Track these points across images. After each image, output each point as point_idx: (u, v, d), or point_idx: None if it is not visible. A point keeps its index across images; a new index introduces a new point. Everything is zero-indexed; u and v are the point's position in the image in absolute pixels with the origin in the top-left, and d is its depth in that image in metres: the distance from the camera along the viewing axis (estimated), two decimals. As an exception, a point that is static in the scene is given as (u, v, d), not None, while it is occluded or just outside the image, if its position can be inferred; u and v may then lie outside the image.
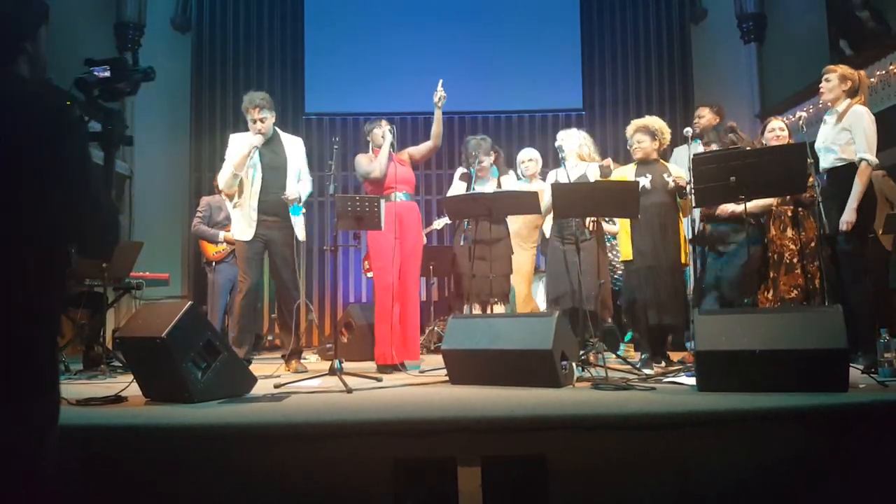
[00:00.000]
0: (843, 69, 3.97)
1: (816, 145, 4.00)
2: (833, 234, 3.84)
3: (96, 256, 1.67)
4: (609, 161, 4.92)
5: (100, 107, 1.70)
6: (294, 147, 4.68)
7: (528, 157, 5.14)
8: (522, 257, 5.20)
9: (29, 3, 1.60)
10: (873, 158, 3.77)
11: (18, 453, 1.44)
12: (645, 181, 4.30)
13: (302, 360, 4.73)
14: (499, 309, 4.93)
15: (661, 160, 4.56)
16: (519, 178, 5.23)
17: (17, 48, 1.57)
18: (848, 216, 3.74)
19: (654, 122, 4.54)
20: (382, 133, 4.61)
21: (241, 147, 4.47)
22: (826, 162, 3.94)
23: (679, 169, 4.46)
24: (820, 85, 4.04)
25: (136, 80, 1.78)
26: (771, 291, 4.54)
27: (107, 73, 1.73)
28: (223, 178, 4.52)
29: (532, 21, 8.91)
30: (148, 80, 1.83)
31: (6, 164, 1.44)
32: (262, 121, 4.47)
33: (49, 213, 1.49)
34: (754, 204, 4.11)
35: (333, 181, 4.09)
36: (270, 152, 4.55)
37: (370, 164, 4.58)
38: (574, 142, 4.78)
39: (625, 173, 4.55)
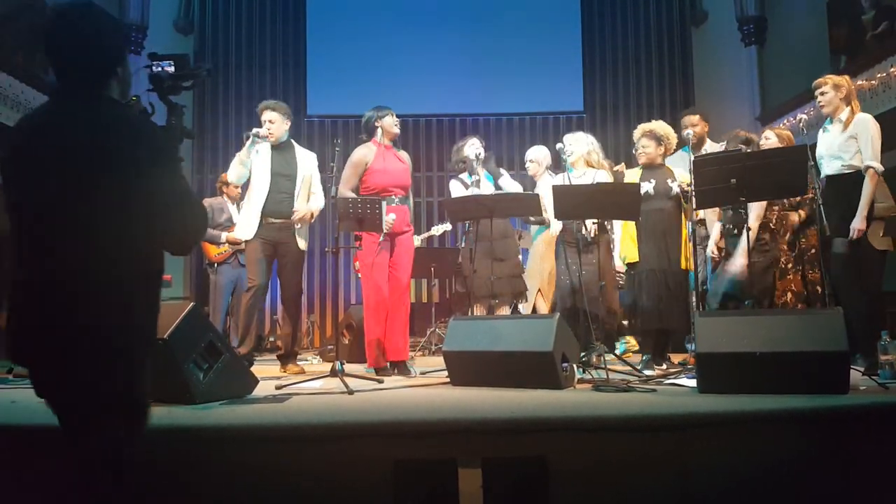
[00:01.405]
0: (833, 79, 4.00)
1: (819, 152, 4.02)
2: (830, 238, 3.87)
3: (181, 253, 1.73)
4: (622, 166, 4.90)
5: (167, 101, 1.76)
6: (306, 161, 4.68)
7: (529, 157, 5.15)
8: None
9: (121, 28, 1.70)
10: (879, 166, 3.81)
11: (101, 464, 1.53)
12: (648, 187, 4.30)
13: (299, 362, 4.73)
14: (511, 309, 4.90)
15: (667, 165, 4.55)
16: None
17: (112, 72, 1.66)
18: (858, 223, 3.78)
19: (660, 127, 4.51)
20: (396, 123, 4.46)
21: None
22: (831, 169, 3.97)
23: (683, 172, 4.46)
24: (817, 100, 4.05)
25: (199, 77, 1.83)
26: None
27: (171, 68, 1.79)
28: (233, 170, 4.60)
29: (533, 23, 8.93)
30: (209, 76, 1.90)
31: (110, 177, 1.52)
32: (271, 122, 4.55)
33: (149, 223, 1.57)
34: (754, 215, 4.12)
35: (335, 183, 4.09)
36: (281, 160, 4.58)
37: (351, 178, 4.31)
38: (583, 147, 4.66)
39: (632, 177, 4.55)
